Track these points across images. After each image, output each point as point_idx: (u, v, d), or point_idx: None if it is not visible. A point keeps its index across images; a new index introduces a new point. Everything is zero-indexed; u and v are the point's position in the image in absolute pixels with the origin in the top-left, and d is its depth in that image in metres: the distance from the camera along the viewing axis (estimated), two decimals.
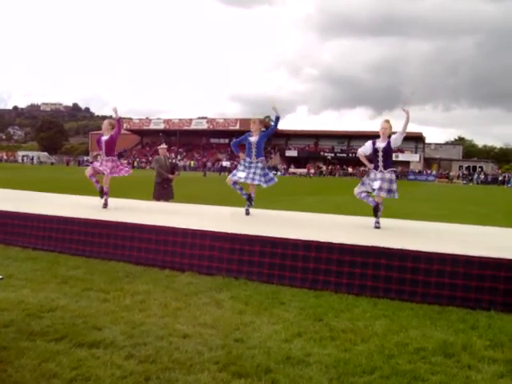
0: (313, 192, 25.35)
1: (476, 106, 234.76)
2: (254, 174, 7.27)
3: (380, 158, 6.56)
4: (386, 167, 6.55)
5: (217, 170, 49.51)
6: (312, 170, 61.40)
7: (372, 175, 6.65)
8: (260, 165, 7.37)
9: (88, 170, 8.01)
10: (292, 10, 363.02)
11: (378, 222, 6.68)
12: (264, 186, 7.34)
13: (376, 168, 6.62)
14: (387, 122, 6.62)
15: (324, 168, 64.66)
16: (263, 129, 7.84)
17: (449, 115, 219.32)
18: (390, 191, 6.48)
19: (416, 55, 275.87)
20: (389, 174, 6.53)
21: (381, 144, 6.59)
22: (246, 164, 7.40)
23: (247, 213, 7.68)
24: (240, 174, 7.33)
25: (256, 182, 7.28)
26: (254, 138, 7.41)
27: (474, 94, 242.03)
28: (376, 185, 6.47)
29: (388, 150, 6.57)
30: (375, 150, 6.61)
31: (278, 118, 7.58)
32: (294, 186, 31.65)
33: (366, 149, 6.79)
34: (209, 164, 65.61)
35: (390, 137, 6.62)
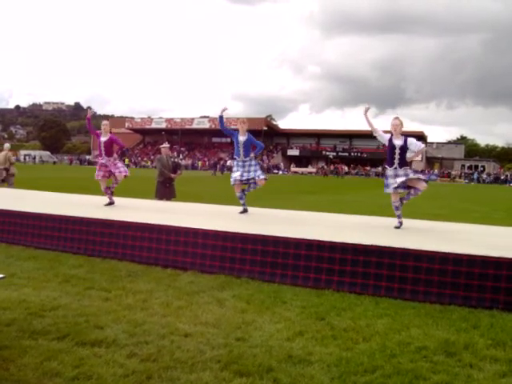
0: (318, 191, 25.35)
1: (480, 105, 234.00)
2: (253, 170, 7.40)
3: (397, 156, 6.42)
4: (401, 165, 6.42)
5: (220, 169, 49.25)
6: (312, 169, 61.21)
7: (391, 172, 6.49)
8: (253, 162, 7.49)
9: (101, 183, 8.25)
10: (295, 6, 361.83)
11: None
12: (262, 177, 7.40)
13: (391, 165, 6.48)
14: (397, 118, 6.51)
15: (326, 167, 64.53)
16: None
17: (452, 113, 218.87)
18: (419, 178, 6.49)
19: (421, 53, 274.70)
20: (409, 170, 6.47)
21: (398, 141, 6.44)
22: (240, 163, 7.48)
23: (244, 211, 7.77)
24: (235, 175, 7.41)
25: (257, 178, 7.36)
26: (242, 138, 7.46)
27: (479, 93, 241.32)
28: (400, 180, 6.37)
29: (405, 149, 6.45)
30: (392, 147, 6.46)
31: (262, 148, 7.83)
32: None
33: (381, 135, 6.63)
34: (208, 162, 65.62)
35: (402, 135, 6.53)
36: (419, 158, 62.94)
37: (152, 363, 3.20)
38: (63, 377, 2.97)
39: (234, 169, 7.57)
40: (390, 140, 6.49)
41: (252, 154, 7.49)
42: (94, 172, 8.19)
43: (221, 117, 7.72)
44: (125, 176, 8.11)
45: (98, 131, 8.28)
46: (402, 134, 6.51)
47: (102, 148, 8.05)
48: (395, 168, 6.45)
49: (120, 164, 8.18)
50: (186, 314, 4.20)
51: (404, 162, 6.45)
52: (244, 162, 7.44)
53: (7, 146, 13.80)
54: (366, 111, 6.64)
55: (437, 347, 3.64)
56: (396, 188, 6.42)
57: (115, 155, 8.13)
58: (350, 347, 3.60)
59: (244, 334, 3.79)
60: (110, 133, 8.25)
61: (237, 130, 7.54)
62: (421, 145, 6.59)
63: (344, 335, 3.84)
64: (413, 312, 4.46)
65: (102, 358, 3.25)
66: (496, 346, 3.70)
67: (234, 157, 7.62)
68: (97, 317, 4.01)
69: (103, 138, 8.07)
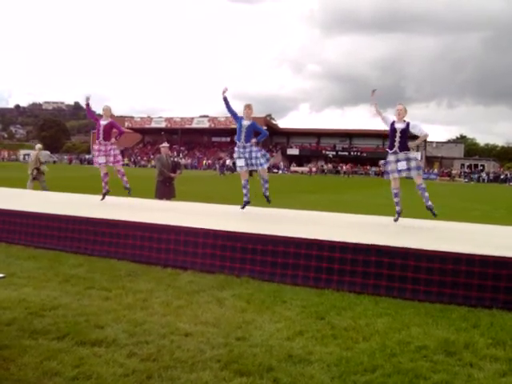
0: (319, 190, 25.35)
1: (481, 104, 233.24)
2: (254, 157, 7.42)
3: (397, 139, 6.66)
4: (401, 149, 6.65)
5: (219, 170, 48.82)
6: (314, 169, 61.16)
7: (392, 158, 6.71)
8: (254, 147, 7.48)
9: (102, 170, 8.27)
10: (295, 5, 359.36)
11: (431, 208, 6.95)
12: (265, 166, 7.47)
13: (391, 148, 6.71)
14: (401, 104, 6.78)
15: (325, 167, 64.51)
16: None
17: (452, 112, 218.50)
18: (419, 168, 6.67)
19: (421, 52, 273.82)
20: (411, 154, 6.69)
21: (400, 125, 6.68)
22: (241, 150, 7.49)
23: (243, 207, 7.82)
24: (240, 163, 7.46)
25: (260, 167, 7.44)
26: (246, 122, 7.48)
27: (479, 92, 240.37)
28: (401, 165, 6.57)
29: (406, 132, 6.67)
30: (394, 130, 6.68)
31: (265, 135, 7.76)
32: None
33: (385, 118, 6.86)
34: (209, 161, 65.51)
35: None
36: (418, 154, 63.04)
37: (152, 363, 3.20)
38: (63, 376, 2.97)
39: (236, 155, 7.59)
40: (393, 124, 6.73)
41: (254, 140, 7.50)
42: (94, 171, 8.23)
43: (225, 98, 7.61)
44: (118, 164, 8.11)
45: (98, 117, 8.28)
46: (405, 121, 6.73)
47: (101, 131, 8.00)
48: (395, 152, 6.65)
49: (116, 152, 8.13)
50: (186, 313, 4.20)
51: (404, 146, 6.65)
52: (245, 147, 7.44)
53: (39, 146, 14.08)
54: (374, 93, 6.86)
55: (437, 346, 3.64)
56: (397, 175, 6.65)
57: (113, 139, 8.10)
58: (350, 346, 3.60)
59: (244, 333, 3.79)
60: (111, 117, 8.24)
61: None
62: (424, 130, 6.79)
63: (344, 334, 3.84)
64: (413, 311, 4.46)
65: (101, 357, 3.25)
66: (496, 345, 3.70)
67: (235, 141, 7.61)
68: (97, 316, 4.01)
69: (103, 122, 8.03)
